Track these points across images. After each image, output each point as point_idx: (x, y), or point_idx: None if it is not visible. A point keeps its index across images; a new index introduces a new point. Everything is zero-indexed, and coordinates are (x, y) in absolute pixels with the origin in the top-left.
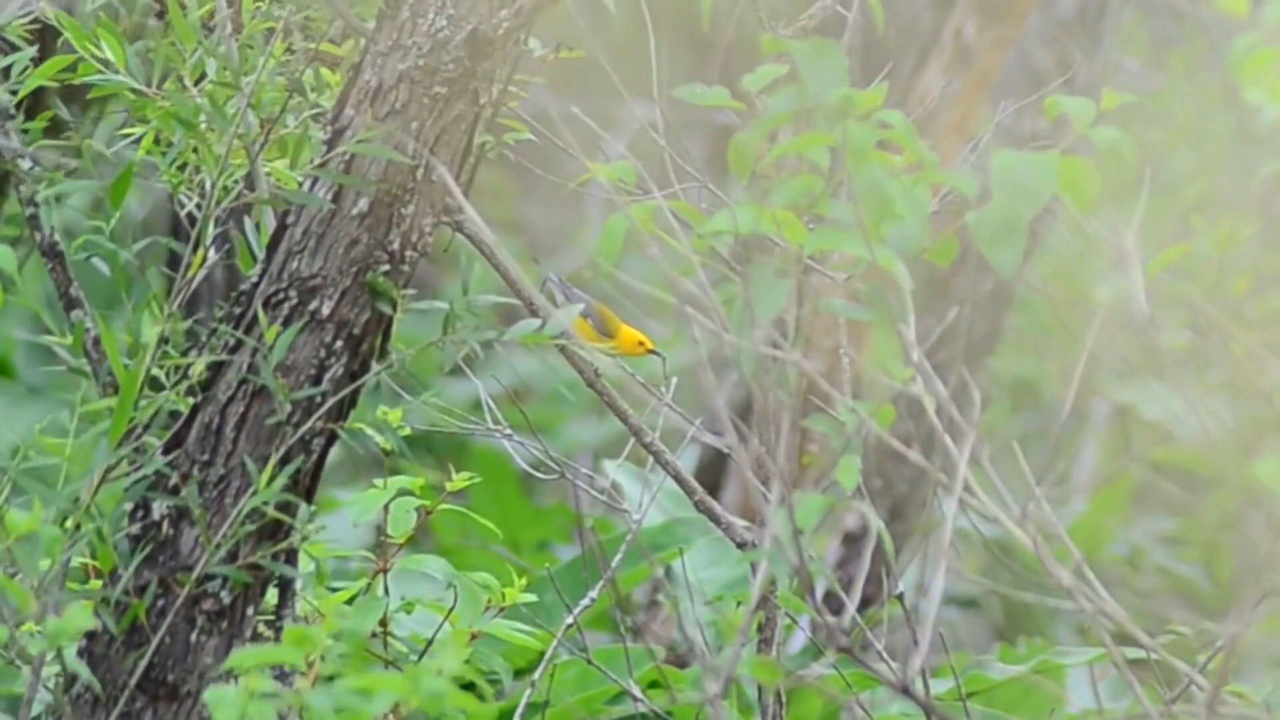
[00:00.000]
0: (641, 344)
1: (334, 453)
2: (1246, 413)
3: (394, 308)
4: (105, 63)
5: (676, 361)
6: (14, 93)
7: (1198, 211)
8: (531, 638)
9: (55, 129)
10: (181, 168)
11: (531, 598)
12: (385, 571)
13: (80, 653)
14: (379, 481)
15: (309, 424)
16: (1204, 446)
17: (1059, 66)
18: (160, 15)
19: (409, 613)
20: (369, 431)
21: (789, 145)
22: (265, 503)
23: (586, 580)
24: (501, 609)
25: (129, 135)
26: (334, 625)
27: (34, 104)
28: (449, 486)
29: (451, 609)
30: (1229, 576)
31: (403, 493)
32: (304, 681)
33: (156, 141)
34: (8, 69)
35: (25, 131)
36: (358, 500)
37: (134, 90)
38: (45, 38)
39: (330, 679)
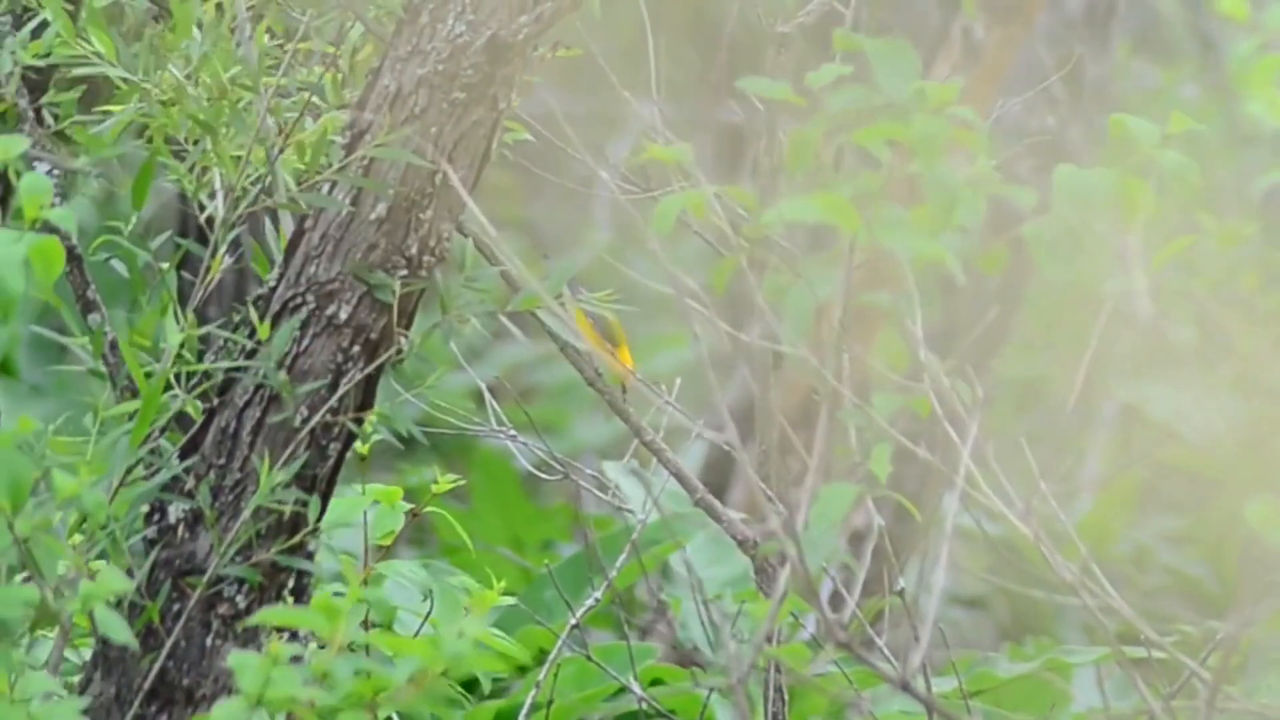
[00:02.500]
0: (621, 382)
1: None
2: (1253, 411)
3: (395, 301)
4: (96, 55)
5: (680, 360)
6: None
7: (1195, 209)
8: (519, 641)
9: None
10: (190, 168)
11: (511, 601)
12: (368, 575)
13: (95, 657)
14: (358, 486)
15: (314, 419)
16: (1211, 445)
17: (1066, 65)
18: (158, 19)
19: (392, 619)
20: (379, 427)
21: (857, 136)
22: (275, 499)
23: (589, 577)
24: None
25: (108, 114)
26: (358, 594)
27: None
28: (435, 489)
29: (429, 614)
30: (1236, 575)
31: (381, 499)
32: (327, 653)
33: (148, 138)
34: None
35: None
36: (338, 505)
37: (124, 80)
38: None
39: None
